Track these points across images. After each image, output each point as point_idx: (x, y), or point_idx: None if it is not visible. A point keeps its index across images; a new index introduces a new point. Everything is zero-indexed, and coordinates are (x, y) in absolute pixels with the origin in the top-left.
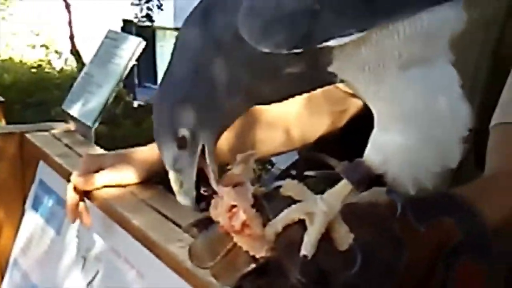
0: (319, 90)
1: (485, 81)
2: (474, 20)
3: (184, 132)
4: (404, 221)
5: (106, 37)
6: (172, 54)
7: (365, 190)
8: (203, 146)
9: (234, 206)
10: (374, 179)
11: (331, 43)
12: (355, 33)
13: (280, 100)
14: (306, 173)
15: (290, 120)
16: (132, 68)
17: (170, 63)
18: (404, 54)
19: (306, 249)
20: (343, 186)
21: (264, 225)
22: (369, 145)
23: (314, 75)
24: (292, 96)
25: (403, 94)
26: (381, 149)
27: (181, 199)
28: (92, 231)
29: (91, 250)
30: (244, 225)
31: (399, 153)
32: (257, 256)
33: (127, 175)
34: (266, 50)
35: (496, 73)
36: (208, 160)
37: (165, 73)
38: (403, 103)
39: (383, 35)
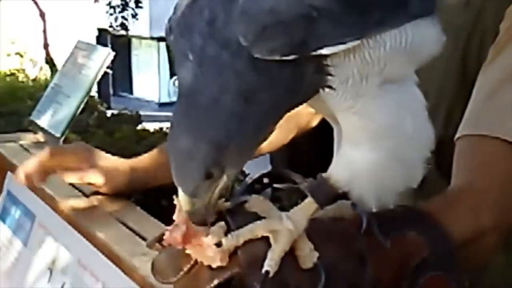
0: None
1: (453, 89)
2: (443, 28)
3: (215, 170)
4: (369, 235)
5: (75, 47)
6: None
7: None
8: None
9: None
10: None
11: (324, 51)
12: (349, 41)
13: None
14: (275, 185)
15: None
16: (106, 76)
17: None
18: (387, 66)
19: (270, 265)
20: (308, 204)
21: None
22: (335, 159)
23: (297, 87)
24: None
25: (378, 111)
26: (349, 165)
27: (192, 218)
28: (59, 243)
29: (57, 262)
30: (187, 236)
31: (367, 170)
32: (213, 266)
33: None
34: (258, 55)
35: (464, 82)
36: (220, 186)
37: (185, 94)
38: (377, 120)
39: (371, 46)
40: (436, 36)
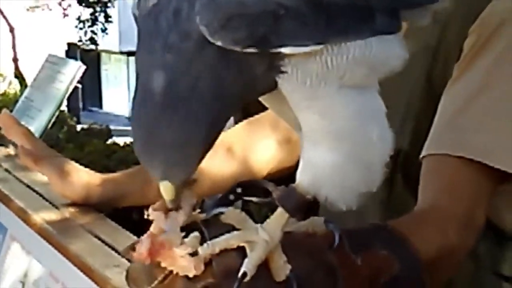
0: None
1: (419, 106)
2: (410, 44)
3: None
4: (341, 252)
5: (46, 61)
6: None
7: (302, 215)
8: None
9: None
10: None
11: (285, 50)
12: (311, 45)
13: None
14: (246, 198)
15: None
16: (76, 91)
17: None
18: (347, 75)
19: (247, 267)
20: (280, 214)
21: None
22: (300, 163)
23: (258, 79)
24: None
25: (337, 112)
26: (311, 166)
27: (172, 205)
28: (31, 256)
29: (29, 275)
30: (153, 250)
31: (328, 170)
32: (190, 275)
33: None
34: (219, 44)
35: (430, 98)
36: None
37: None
38: (335, 121)
39: (334, 53)
40: (400, 53)
